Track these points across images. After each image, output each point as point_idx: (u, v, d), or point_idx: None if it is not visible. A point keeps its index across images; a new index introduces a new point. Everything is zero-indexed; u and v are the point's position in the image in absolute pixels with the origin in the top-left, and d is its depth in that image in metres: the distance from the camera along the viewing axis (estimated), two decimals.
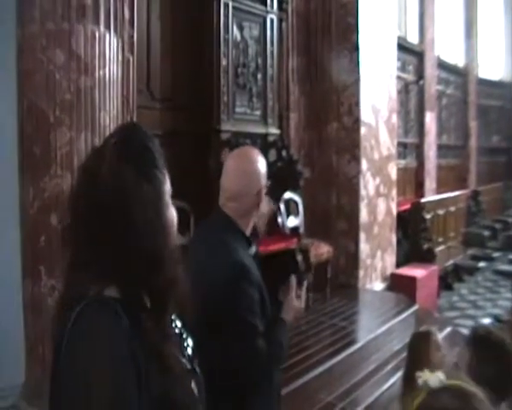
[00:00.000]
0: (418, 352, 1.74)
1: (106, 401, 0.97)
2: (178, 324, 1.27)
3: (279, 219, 5.46)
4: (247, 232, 1.96)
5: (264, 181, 1.94)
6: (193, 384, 1.20)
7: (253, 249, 1.97)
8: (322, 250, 5.62)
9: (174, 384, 1.10)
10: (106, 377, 0.98)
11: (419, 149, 10.07)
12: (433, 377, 1.11)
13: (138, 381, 1.02)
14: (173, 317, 1.24)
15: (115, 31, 3.64)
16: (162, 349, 1.08)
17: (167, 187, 1.17)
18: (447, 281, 8.49)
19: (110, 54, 3.56)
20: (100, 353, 1.00)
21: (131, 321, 1.05)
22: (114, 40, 3.62)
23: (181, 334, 1.26)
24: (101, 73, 3.49)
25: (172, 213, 1.18)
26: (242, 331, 1.74)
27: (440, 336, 2.03)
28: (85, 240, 1.08)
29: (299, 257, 5.29)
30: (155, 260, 1.08)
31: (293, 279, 1.90)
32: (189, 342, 1.28)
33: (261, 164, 1.96)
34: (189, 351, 1.25)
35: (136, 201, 1.07)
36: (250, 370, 1.77)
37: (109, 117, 3.54)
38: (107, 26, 3.56)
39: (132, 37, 4.21)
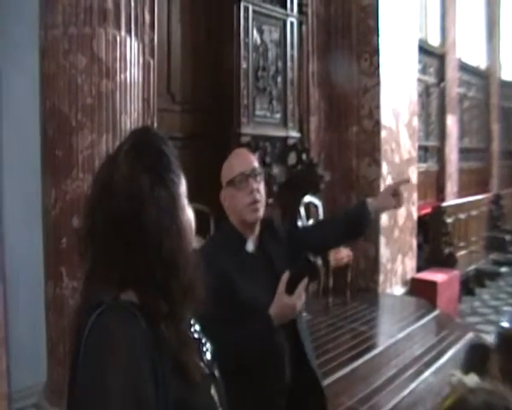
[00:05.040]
0: (477, 368, 1.71)
1: (123, 401, 0.97)
2: (197, 328, 1.26)
3: (299, 223, 5.45)
4: (244, 228, 1.99)
5: (225, 179, 1.97)
6: (212, 390, 1.19)
7: (250, 246, 2.00)
8: (341, 254, 5.60)
9: (193, 390, 1.09)
10: (123, 378, 0.98)
11: (440, 153, 9.98)
12: (469, 378, 1.11)
13: (155, 382, 1.01)
14: (192, 321, 1.24)
15: (136, 34, 3.66)
16: (181, 357, 1.07)
17: (183, 189, 1.16)
18: (468, 286, 8.40)
19: (131, 57, 3.59)
20: (117, 354, 1.00)
21: (149, 324, 1.05)
22: (135, 44, 3.64)
23: (200, 339, 1.25)
24: (123, 76, 3.51)
25: (189, 215, 1.17)
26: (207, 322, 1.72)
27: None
28: (102, 249, 1.08)
29: (319, 261, 5.28)
30: (170, 265, 1.08)
31: (286, 274, 1.84)
32: (208, 346, 1.27)
33: (225, 163, 2.01)
34: (208, 356, 1.25)
35: (150, 207, 1.06)
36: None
37: (130, 120, 3.56)
38: (128, 30, 3.58)
39: (153, 40, 4.25)
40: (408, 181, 2.41)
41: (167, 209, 1.09)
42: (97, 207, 1.10)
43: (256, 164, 2.01)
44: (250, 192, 1.94)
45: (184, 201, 1.16)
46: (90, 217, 1.11)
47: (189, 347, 1.13)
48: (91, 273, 1.12)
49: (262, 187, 2.00)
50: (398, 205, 2.15)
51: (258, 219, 1.99)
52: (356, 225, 2.20)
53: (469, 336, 5.20)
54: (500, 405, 1.03)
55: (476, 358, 2.33)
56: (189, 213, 1.17)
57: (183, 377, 1.07)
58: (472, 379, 1.13)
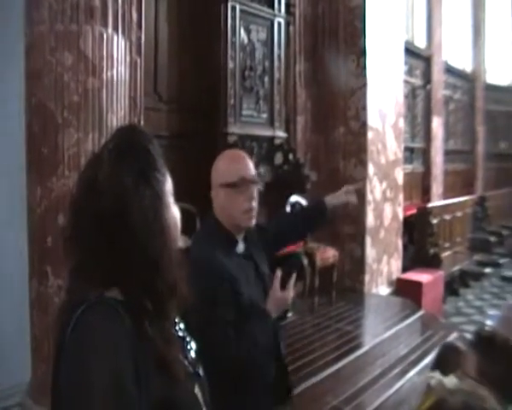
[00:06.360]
0: (449, 369, 1.72)
1: (107, 399, 0.97)
2: (182, 327, 1.26)
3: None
4: (234, 230, 2.00)
5: (222, 180, 1.96)
6: (196, 389, 1.19)
7: (241, 247, 2.02)
8: (327, 254, 5.61)
9: (177, 389, 1.09)
10: (106, 376, 0.98)
11: (426, 154, 10.06)
12: (448, 380, 1.12)
13: (138, 382, 1.01)
14: (176, 320, 1.24)
15: (123, 33, 3.65)
16: (165, 355, 1.07)
17: (168, 187, 1.16)
18: (453, 286, 8.46)
19: (118, 55, 3.57)
20: (100, 353, 1.00)
21: (133, 323, 1.04)
22: (122, 42, 3.63)
23: (184, 337, 1.25)
24: (109, 74, 3.50)
25: (174, 214, 1.17)
26: (209, 323, 1.77)
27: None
28: (86, 247, 1.08)
29: (305, 261, 5.29)
30: (155, 264, 1.08)
31: (279, 271, 1.94)
32: (192, 345, 1.27)
33: (221, 162, 2.00)
34: (192, 354, 1.25)
35: (134, 206, 1.06)
36: (224, 361, 1.79)
37: (116, 118, 3.55)
38: (115, 28, 3.57)
39: (140, 39, 4.23)
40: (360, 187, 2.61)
41: (151, 208, 1.09)
42: (82, 205, 1.10)
43: (254, 171, 2.04)
44: (249, 199, 1.97)
45: (169, 199, 1.16)
46: (74, 215, 1.11)
47: (174, 345, 1.13)
48: (76, 271, 1.11)
49: (257, 196, 2.03)
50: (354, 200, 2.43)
51: (251, 226, 2.02)
52: (314, 222, 2.44)
53: (453, 335, 5.23)
54: (478, 406, 1.04)
55: (447, 359, 2.35)
56: (175, 212, 1.17)
57: (166, 375, 1.06)
58: (451, 381, 1.14)
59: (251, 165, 2.02)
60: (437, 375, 1.25)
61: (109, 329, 1.02)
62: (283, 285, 1.93)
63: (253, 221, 2.01)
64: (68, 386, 1.00)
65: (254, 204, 1.98)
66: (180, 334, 1.24)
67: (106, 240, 1.06)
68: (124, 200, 1.06)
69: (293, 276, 1.98)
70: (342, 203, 2.41)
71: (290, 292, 1.96)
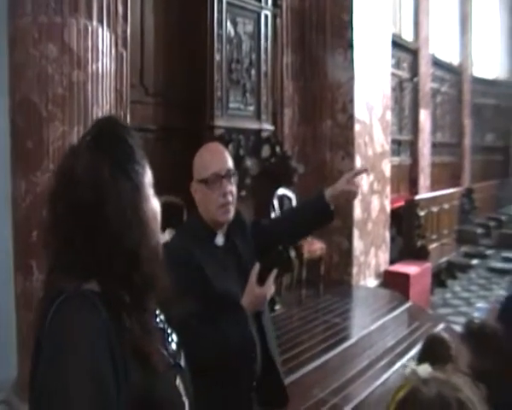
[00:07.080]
0: (434, 359, 1.72)
1: (84, 393, 0.96)
2: (162, 318, 1.25)
3: (272, 216, 5.45)
4: (214, 224, 1.97)
5: (197, 176, 1.96)
6: (178, 380, 1.19)
7: (220, 240, 1.99)
8: (315, 247, 5.63)
9: (156, 380, 1.08)
10: (84, 369, 0.97)
11: (413, 147, 10.10)
12: (421, 368, 1.12)
13: (116, 374, 1.00)
14: (157, 312, 1.23)
15: (108, 25, 3.61)
16: (144, 346, 1.06)
17: (148, 179, 1.15)
18: (440, 278, 8.53)
19: (103, 48, 3.54)
20: (77, 345, 0.99)
21: (111, 315, 1.04)
22: (107, 34, 3.60)
23: (164, 329, 1.25)
24: (95, 67, 3.47)
25: (154, 206, 1.16)
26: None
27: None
28: (64, 239, 1.07)
29: (292, 253, 5.29)
30: (132, 255, 1.07)
31: (257, 265, 1.87)
32: (173, 337, 1.27)
33: (196, 158, 1.99)
34: (174, 346, 1.24)
35: (112, 197, 1.06)
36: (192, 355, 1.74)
37: (102, 112, 3.52)
38: (100, 20, 3.53)
39: (126, 32, 4.20)
40: (366, 170, 2.48)
41: (129, 199, 1.08)
42: (59, 195, 1.09)
43: (231, 164, 1.98)
44: (223, 195, 1.93)
45: (149, 191, 1.15)
46: (52, 205, 1.10)
47: (153, 336, 1.12)
48: (55, 264, 1.11)
49: (235, 188, 1.99)
50: (354, 194, 2.11)
51: (229, 220, 1.99)
52: (317, 218, 2.19)
53: (441, 327, 5.27)
54: (452, 396, 1.04)
55: (433, 350, 2.36)
56: (154, 204, 1.17)
57: (145, 366, 1.06)
58: (425, 370, 1.13)
59: (226, 159, 1.98)
60: (411, 364, 1.25)
61: (86, 323, 1.01)
62: (263, 280, 1.85)
63: (230, 215, 1.97)
64: (46, 385, 0.99)
65: (230, 198, 1.94)
66: (160, 326, 1.24)
67: (83, 231, 1.05)
68: (101, 190, 1.06)
69: (274, 271, 1.88)
70: (342, 192, 2.08)
71: (269, 289, 1.87)
